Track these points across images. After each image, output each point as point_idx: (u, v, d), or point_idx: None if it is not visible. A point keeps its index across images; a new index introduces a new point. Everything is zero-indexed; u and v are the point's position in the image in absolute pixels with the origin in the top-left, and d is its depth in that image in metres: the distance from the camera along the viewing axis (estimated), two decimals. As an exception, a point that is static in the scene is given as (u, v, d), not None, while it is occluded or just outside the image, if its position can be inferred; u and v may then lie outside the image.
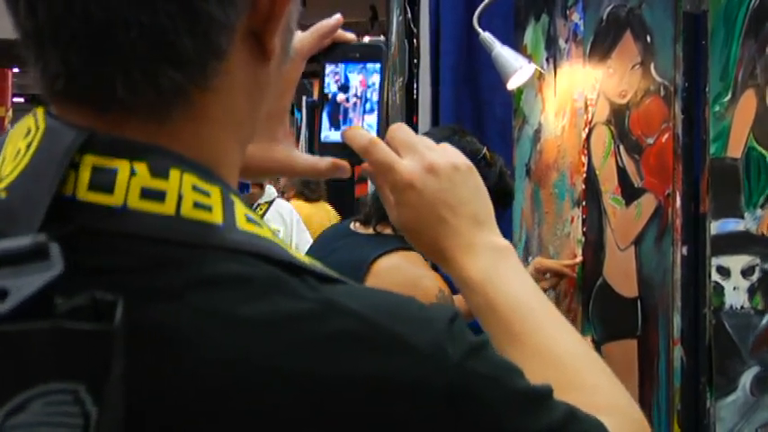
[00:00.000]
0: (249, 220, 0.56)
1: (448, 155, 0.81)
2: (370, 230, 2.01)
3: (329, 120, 0.84)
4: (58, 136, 0.53)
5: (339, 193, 6.47)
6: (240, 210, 0.56)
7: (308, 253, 2.17)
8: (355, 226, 2.06)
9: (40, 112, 0.56)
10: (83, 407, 0.43)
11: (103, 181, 0.52)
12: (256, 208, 4.32)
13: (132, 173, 0.53)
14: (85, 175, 0.52)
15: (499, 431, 0.56)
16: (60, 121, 0.54)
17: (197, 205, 0.54)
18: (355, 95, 0.84)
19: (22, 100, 11.40)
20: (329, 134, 0.84)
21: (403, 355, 0.53)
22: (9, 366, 0.42)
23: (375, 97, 0.83)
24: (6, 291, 0.43)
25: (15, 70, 10.08)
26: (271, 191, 4.52)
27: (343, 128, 0.83)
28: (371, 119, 0.83)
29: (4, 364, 0.42)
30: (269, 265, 0.54)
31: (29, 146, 0.54)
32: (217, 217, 0.54)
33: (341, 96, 0.84)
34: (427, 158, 0.79)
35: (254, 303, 0.52)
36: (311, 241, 4.23)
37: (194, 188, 0.54)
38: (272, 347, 0.51)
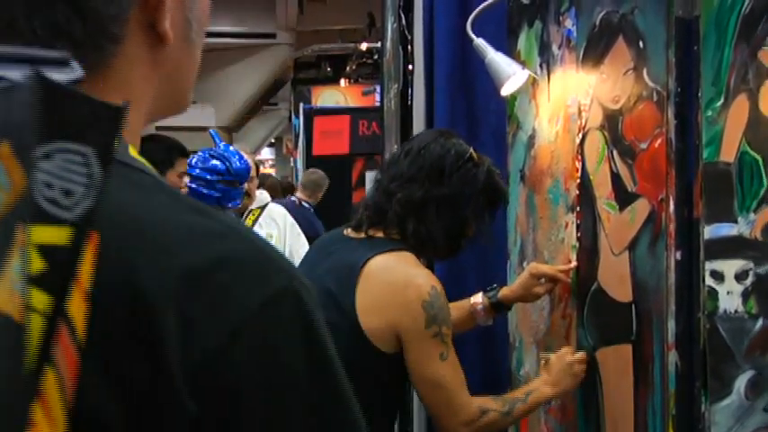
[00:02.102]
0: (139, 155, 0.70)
1: None
2: (362, 235, 2.08)
3: None
4: None
5: (338, 200, 6.67)
6: (133, 150, 0.69)
7: (306, 258, 2.27)
8: (348, 232, 2.13)
9: None
10: (89, 168, 0.53)
11: None
12: (249, 214, 4.30)
13: None
14: None
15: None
16: None
17: None
18: None
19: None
20: None
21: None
22: (44, 120, 0.52)
23: None
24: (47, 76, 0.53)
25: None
26: (263, 195, 4.51)
27: None
28: None
29: (43, 117, 0.52)
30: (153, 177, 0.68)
31: None
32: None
33: None
34: None
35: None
36: (306, 244, 4.23)
37: None
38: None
